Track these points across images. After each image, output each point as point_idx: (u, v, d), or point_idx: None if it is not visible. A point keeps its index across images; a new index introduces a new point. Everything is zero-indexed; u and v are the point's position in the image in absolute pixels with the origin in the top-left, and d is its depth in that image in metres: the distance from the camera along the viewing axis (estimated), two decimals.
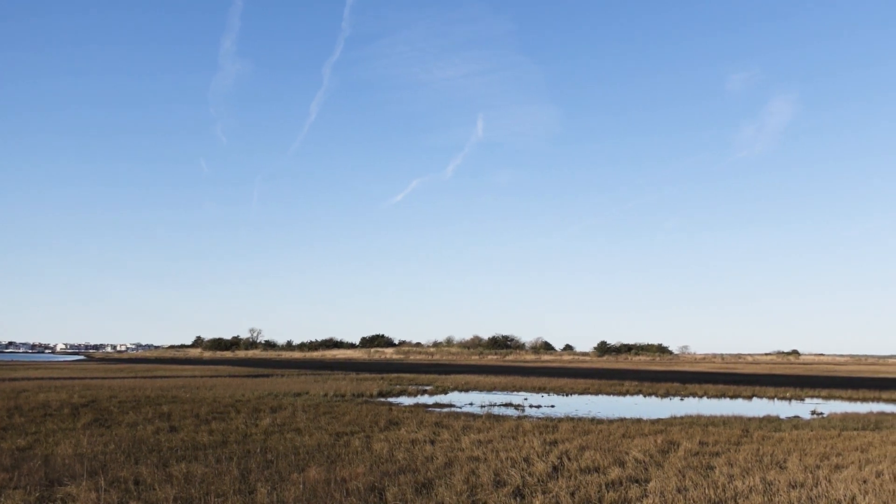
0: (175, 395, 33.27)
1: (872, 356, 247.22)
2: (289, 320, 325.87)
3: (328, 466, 13.90)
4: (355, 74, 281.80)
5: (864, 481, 13.08)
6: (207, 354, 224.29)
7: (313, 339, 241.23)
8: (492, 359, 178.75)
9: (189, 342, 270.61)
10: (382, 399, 35.20)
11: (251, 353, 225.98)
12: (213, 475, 12.86)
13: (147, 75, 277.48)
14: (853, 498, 11.54)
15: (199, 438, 17.93)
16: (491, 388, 45.44)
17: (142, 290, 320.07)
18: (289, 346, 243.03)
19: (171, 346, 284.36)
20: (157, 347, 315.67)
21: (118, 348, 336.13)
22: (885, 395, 42.38)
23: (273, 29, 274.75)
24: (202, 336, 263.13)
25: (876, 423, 24.72)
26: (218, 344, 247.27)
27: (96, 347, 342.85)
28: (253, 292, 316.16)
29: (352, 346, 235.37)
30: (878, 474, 13.87)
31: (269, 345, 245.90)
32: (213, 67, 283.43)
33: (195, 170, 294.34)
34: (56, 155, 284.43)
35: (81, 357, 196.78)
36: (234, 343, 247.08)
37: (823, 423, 24.80)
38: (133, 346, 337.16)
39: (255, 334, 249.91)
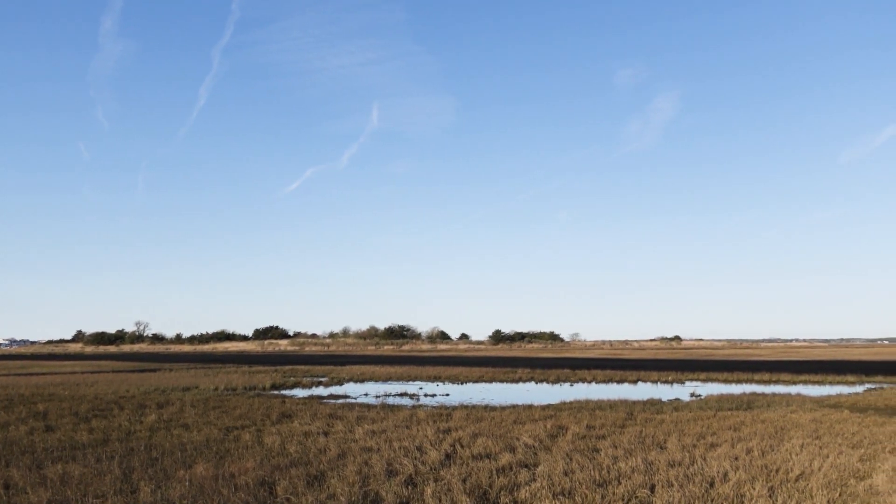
0: (52, 392, 31.54)
1: (747, 340, 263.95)
2: (178, 312, 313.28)
3: (217, 462, 13.55)
4: (246, 59, 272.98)
5: (736, 458, 13.94)
6: (89, 349, 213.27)
7: (204, 332, 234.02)
8: (388, 349, 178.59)
9: (69, 337, 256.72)
10: (276, 392, 34.60)
11: (137, 348, 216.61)
12: (93, 475, 12.28)
13: (18, 52, 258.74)
14: (725, 474, 12.27)
15: (77, 437, 17.08)
16: (387, 379, 45.48)
17: (15, 280, 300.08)
18: (178, 339, 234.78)
19: (50, 342, 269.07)
20: (33, 343, 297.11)
21: None
22: (756, 377, 45.24)
23: (157, 9, 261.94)
24: (83, 330, 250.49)
25: (748, 403, 26.38)
26: (101, 338, 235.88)
27: None
28: (139, 284, 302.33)
29: (245, 338, 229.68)
30: (748, 451, 14.82)
31: (157, 338, 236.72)
32: (92, 47, 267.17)
33: (74, 154, 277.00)
34: None
35: None
36: (119, 337, 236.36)
37: (701, 404, 26.20)
38: (6, 342, 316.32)
39: (141, 327, 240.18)
